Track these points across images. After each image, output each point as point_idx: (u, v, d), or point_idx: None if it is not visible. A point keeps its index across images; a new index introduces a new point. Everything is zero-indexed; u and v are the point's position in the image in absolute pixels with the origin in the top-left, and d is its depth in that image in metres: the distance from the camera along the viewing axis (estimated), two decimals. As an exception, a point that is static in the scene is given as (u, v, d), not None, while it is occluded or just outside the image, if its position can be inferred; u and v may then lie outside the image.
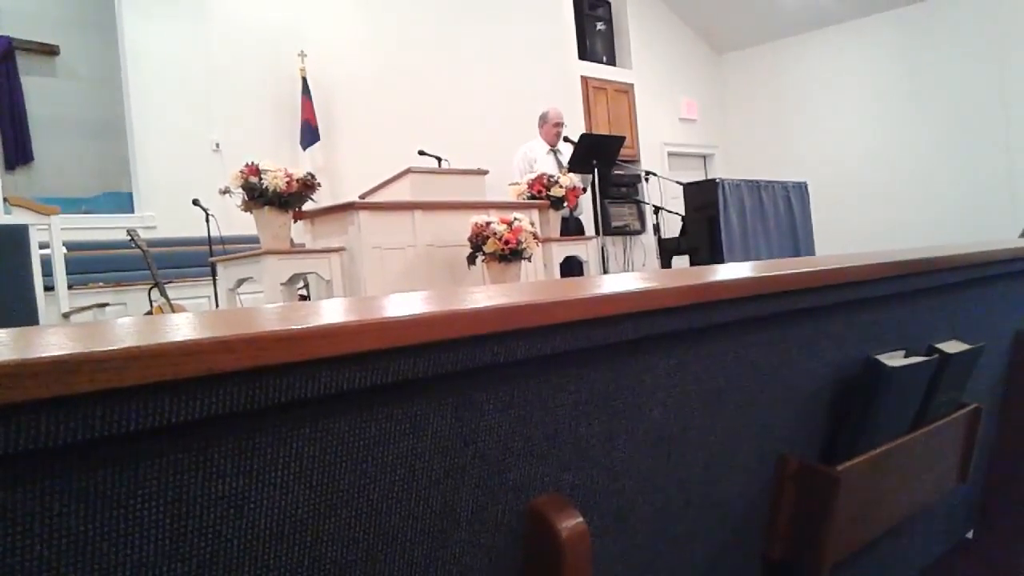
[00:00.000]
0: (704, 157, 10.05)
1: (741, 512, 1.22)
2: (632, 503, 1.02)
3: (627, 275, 1.29)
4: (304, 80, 8.10)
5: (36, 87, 7.59)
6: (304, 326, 0.61)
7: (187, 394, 0.55)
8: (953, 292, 1.70)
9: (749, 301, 1.08)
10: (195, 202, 5.51)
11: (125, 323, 0.75)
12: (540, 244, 4.75)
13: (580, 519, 0.86)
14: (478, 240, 4.40)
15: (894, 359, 1.37)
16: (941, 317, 1.68)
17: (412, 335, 0.69)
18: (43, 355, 0.48)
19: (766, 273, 1.11)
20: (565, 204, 5.47)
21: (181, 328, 0.63)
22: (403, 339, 0.68)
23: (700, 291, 0.98)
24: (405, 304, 0.81)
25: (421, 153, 6.41)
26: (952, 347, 1.52)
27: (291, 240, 4.41)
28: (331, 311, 0.77)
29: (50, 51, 7.72)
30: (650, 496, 1.04)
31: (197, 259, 6.17)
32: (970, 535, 2.14)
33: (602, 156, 6.25)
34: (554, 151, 6.68)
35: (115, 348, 0.51)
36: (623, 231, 8.23)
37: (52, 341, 0.57)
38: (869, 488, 1.36)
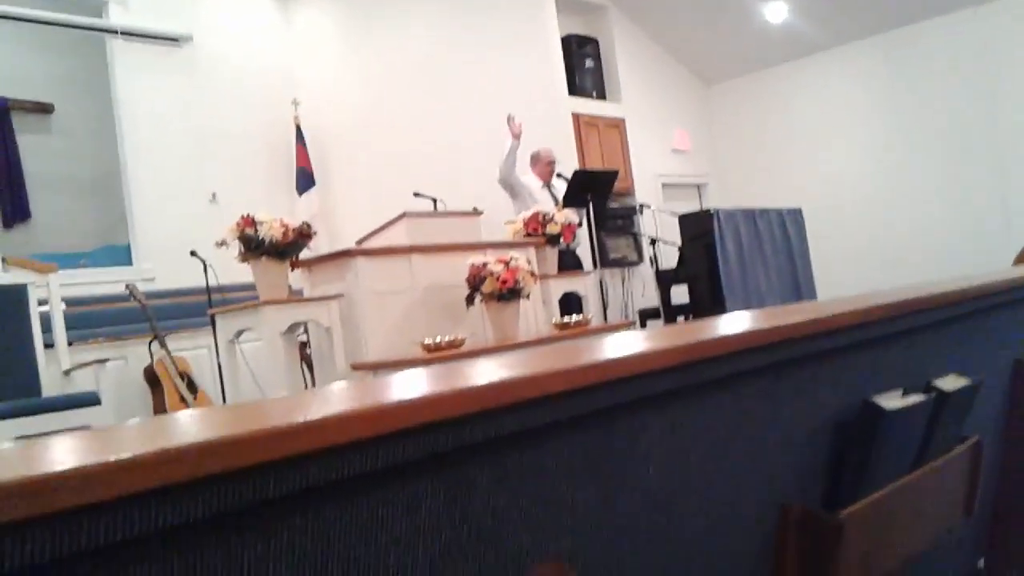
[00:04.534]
0: (698, 186, 10.09)
1: (747, 564, 1.21)
2: (634, 564, 1.01)
3: (616, 337, 1.29)
4: (298, 127, 8.17)
5: (32, 145, 7.65)
6: (288, 423, 0.61)
7: (172, 500, 0.55)
8: (949, 326, 1.70)
9: (739, 355, 1.08)
10: (193, 253, 5.54)
11: (85, 437, 0.75)
12: (538, 281, 4.76)
13: None
14: (476, 281, 4.41)
15: (892, 400, 1.37)
16: (938, 352, 1.68)
17: (399, 420, 0.68)
18: (24, 474, 0.48)
19: (757, 326, 1.12)
20: (561, 239, 5.49)
21: (164, 433, 0.63)
22: (390, 426, 0.68)
23: (687, 351, 0.98)
24: (392, 386, 0.81)
25: (416, 195, 6.44)
26: (950, 383, 1.52)
27: (289, 287, 4.42)
28: (316, 402, 0.77)
29: (44, 109, 7.80)
30: (652, 556, 1.04)
31: (196, 310, 6.17)
32: (981, 564, 2.12)
33: (596, 191, 6.28)
34: (548, 186, 6.72)
35: (99, 462, 0.51)
36: (621, 263, 8.24)
37: (42, 456, 0.57)
38: (874, 530, 1.35)
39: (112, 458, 0.51)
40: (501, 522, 0.84)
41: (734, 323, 1.26)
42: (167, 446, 0.54)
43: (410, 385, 0.81)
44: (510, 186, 6.52)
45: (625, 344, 1.04)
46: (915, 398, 1.40)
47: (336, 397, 0.79)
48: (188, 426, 0.67)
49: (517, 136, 6.35)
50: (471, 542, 0.81)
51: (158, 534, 0.56)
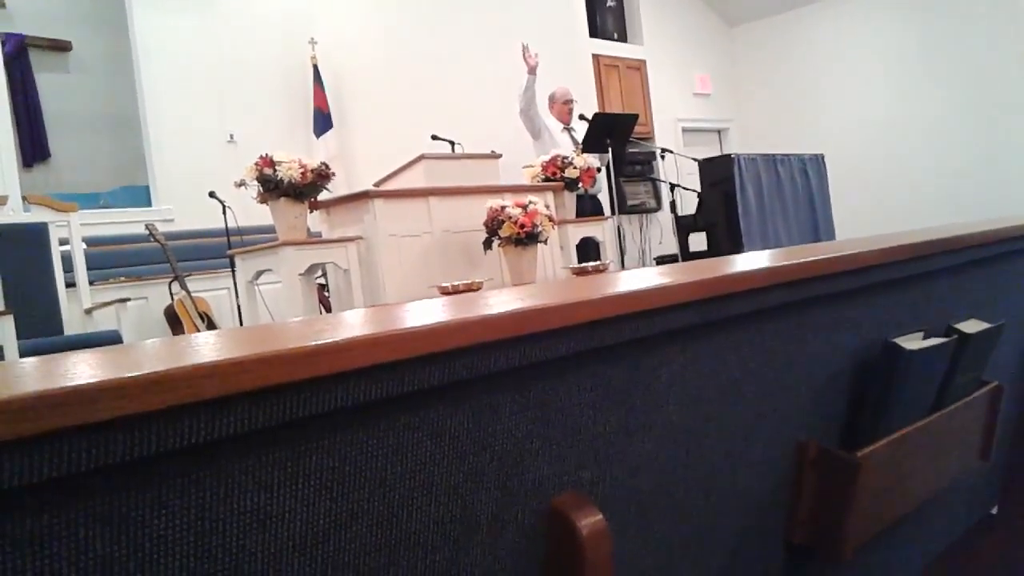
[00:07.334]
0: (719, 132, 9.96)
1: (762, 499, 1.23)
2: (652, 497, 1.02)
3: (639, 272, 1.29)
4: (315, 67, 8.09)
5: (50, 83, 7.62)
6: (318, 342, 0.61)
7: (206, 415, 0.56)
8: (971, 270, 1.68)
9: (762, 292, 1.08)
10: (211, 194, 5.54)
11: (145, 346, 0.76)
12: (556, 226, 4.74)
13: (600, 516, 0.86)
14: (494, 224, 4.40)
15: (912, 341, 1.37)
16: (960, 296, 1.67)
17: (425, 345, 0.69)
18: (64, 385, 0.49)
19: (778, 263, 1.11)
20: (580, 184, 5.45)
21: (199, 350, 0.64)
22: (417, 350, 0.68)
23: (711, 285, 0.98)
24: (418, 313, 0.82)
25: (434, 137, 6.40)
26: (971, 327, 1.51)
27: (308, 230, 4.42)
28: (345, 324, 0.78)
29: (62, 47, 7.75)
30: (670, 489, 1.05)
31: (216, 251, 6.21)
32: (995, 511, 2.14)
33: (616, 135, 6.20)
34: (568, 129, 6.65)
35: (134, 375, 0.52)
36: (639, 209, 8.19)
37: (74, 370, 0.58)
38: (890, 471, 1.35)
39: (145, 370, 0.52)
40: (523, 451, 0.85)
41: (754, 260, 1.25)
42: (199, 362, 0.55)
43: (436, 312, 0.82)
44: (531, 121, 6.43)
45: (649, 278, 1.04)
46: (936, 340, 1.40)
47: (363, 322, 0.79)
48: (219, 344, 0.68)
49: (533, 70, 6.25)
50: (493, 468, 0.82)
51: (190, 449, 0.57)
